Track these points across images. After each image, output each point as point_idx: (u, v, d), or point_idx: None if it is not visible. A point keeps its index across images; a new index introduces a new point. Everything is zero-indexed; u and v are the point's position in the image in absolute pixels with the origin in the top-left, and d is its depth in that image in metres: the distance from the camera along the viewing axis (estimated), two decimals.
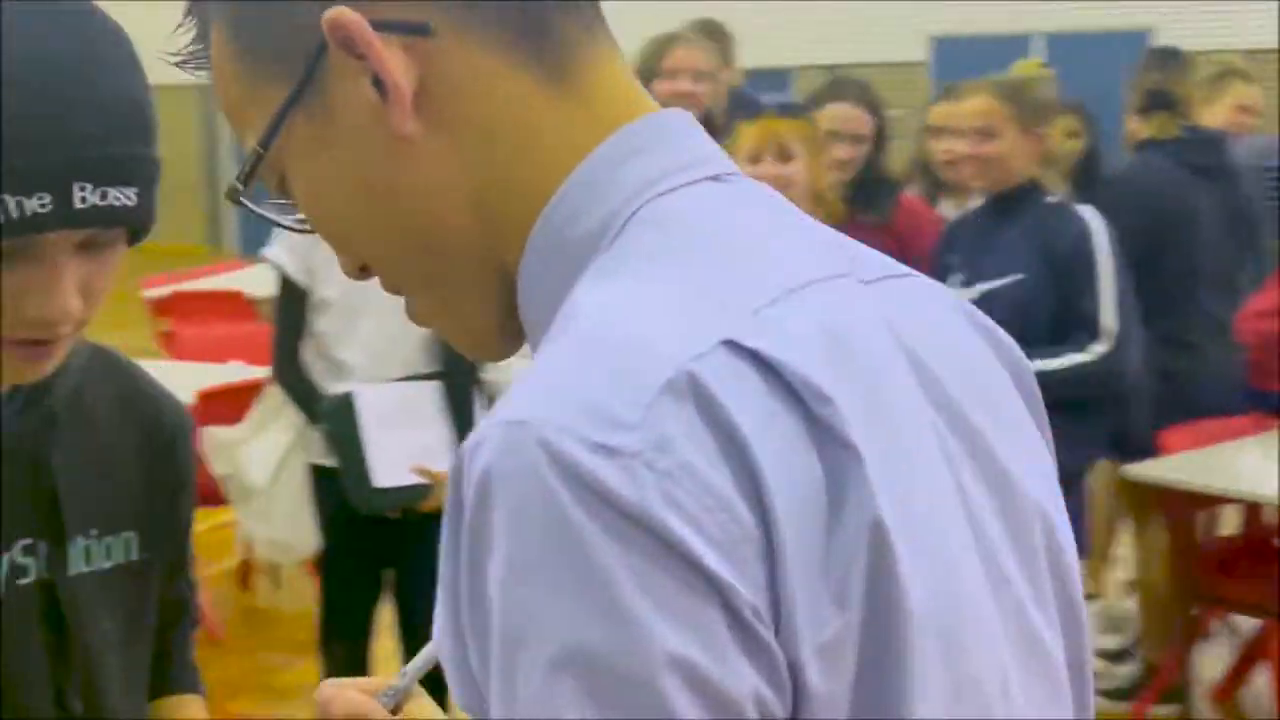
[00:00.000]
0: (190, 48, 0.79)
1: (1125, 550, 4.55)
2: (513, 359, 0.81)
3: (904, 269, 0.81)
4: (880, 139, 3.61)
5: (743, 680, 0.62)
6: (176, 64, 0.81)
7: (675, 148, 0.74)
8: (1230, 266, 4.06)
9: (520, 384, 0.66)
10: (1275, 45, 9.17)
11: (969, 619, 0.71)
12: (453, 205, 0.72)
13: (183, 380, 3.52)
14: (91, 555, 1.24)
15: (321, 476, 3.07)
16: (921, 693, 0.67)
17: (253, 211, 0.79)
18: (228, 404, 3.96)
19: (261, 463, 3.27)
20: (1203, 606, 3.84)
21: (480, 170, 0.72)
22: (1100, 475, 3.99)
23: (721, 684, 0.62)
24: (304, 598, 4.23)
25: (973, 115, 3.21)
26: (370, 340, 2.96)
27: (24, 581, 1.19)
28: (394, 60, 0.69)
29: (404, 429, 2.91)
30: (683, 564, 0.61)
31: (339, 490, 2.99)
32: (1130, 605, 4.34)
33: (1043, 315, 3.06)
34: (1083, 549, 4.13)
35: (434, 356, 2.97)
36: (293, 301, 3.03)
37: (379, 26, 0.69)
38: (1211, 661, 4.07)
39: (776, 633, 0.63)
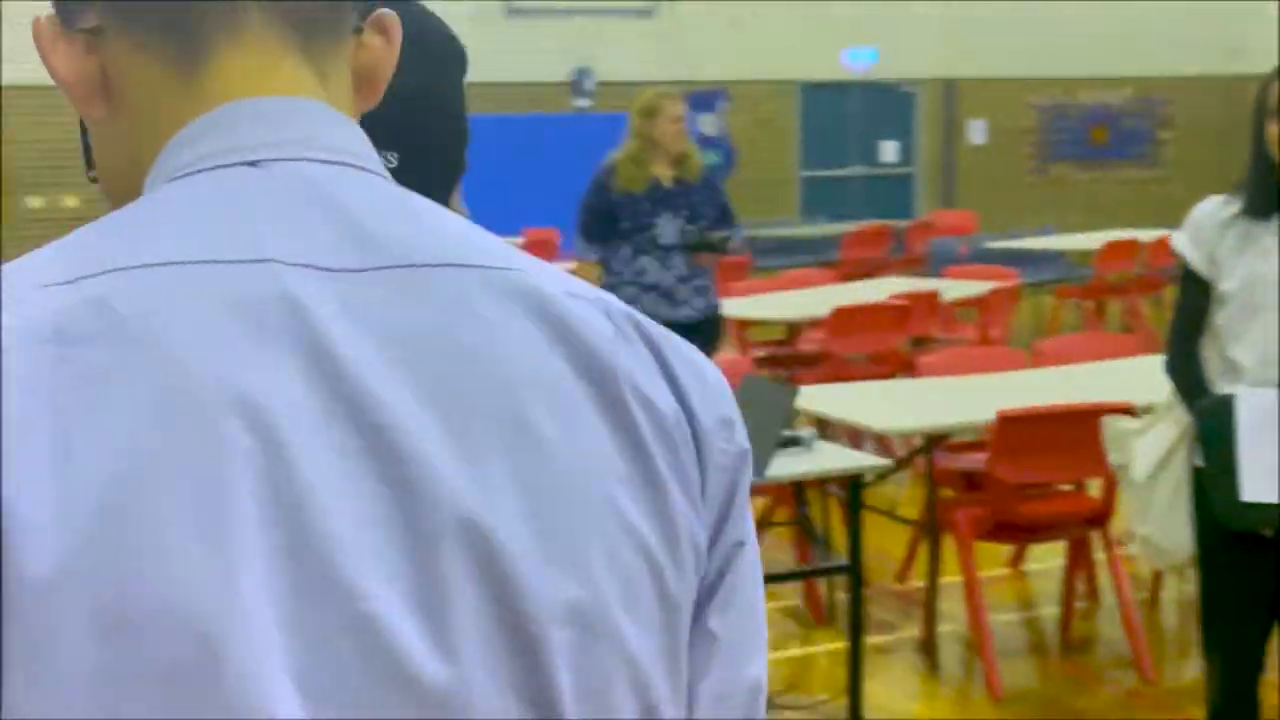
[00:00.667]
0: None
1: None
2: None
3: (461, 260, 0.76)
4: None
5: None
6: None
7: (224, 135, 0.78)
8: None
9: None
10: None
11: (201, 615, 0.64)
12: (132, 179, 0.81)
13: None
14: None
15: (1200, 480, 2.89)
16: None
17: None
18: None
19: (1146, 456, 3.15)
20: None
21: (131, 149, 0.81)
22: None
23: None
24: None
25: None
26: (1260, 340, 2.74)
27: None
28: (62, 58, 0.81)
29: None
30: None
31: (1211, 498, 2.81)
32: None
33: None
34: None
35: None
36: (1193, 293, 2.90)
37: (66, 28, 0.81)
38: None
39: None
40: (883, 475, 4.19)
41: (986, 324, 7.93)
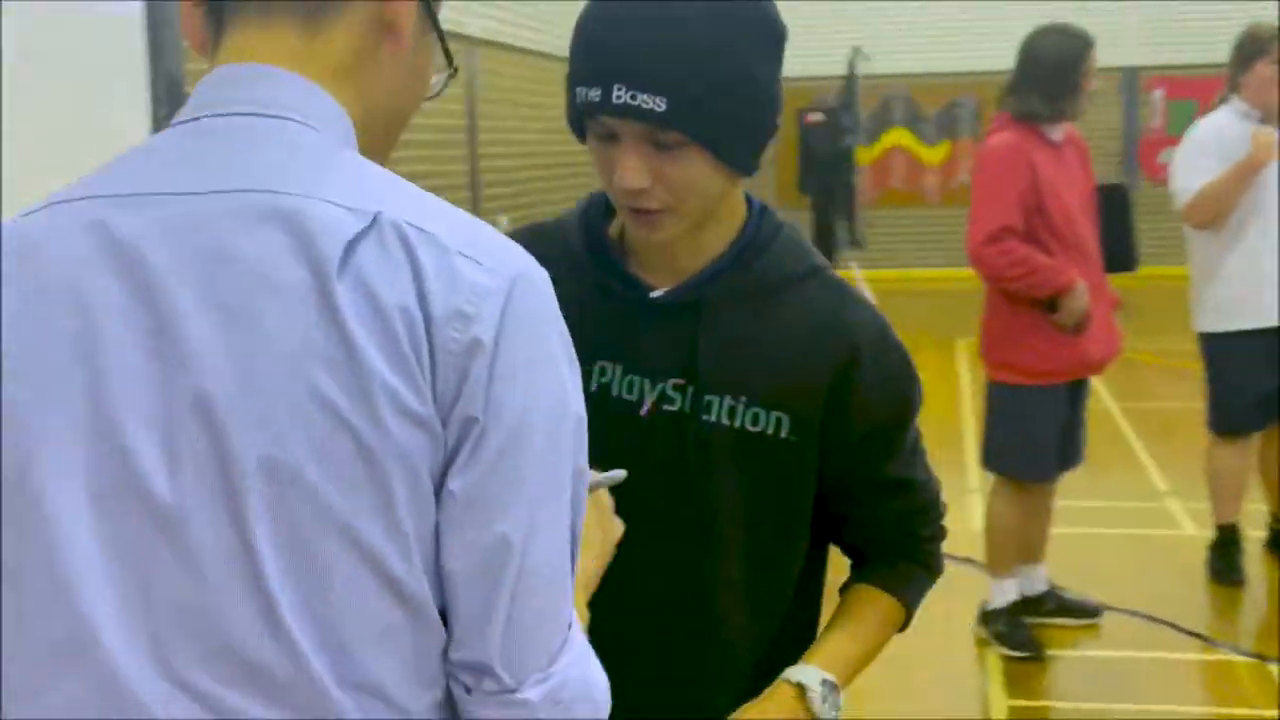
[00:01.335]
0: None
1: None
2: None
3: (254, 186, 0.98)
4: None
5: None
6: None
7: (193, 98, 1.05)
8: None
9: None
10: None
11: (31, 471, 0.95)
12: None
13: None
14: (732, 414, 1.51)
15: None
16: None
17: None
18: None
19: None
20: None
21: None
22: None
23: None
24: None
25: None
26: None
27: (668, 409, 1.51)
28: (185, 15, 1.08)
29: None
30: None
31: None
32: None
33: None
34: None
35: None
36: None
37: None
38: None
39: None
40: None
41: None
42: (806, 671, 1.53)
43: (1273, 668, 4.17)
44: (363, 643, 0.94)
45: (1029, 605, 4.44)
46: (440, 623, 0.97)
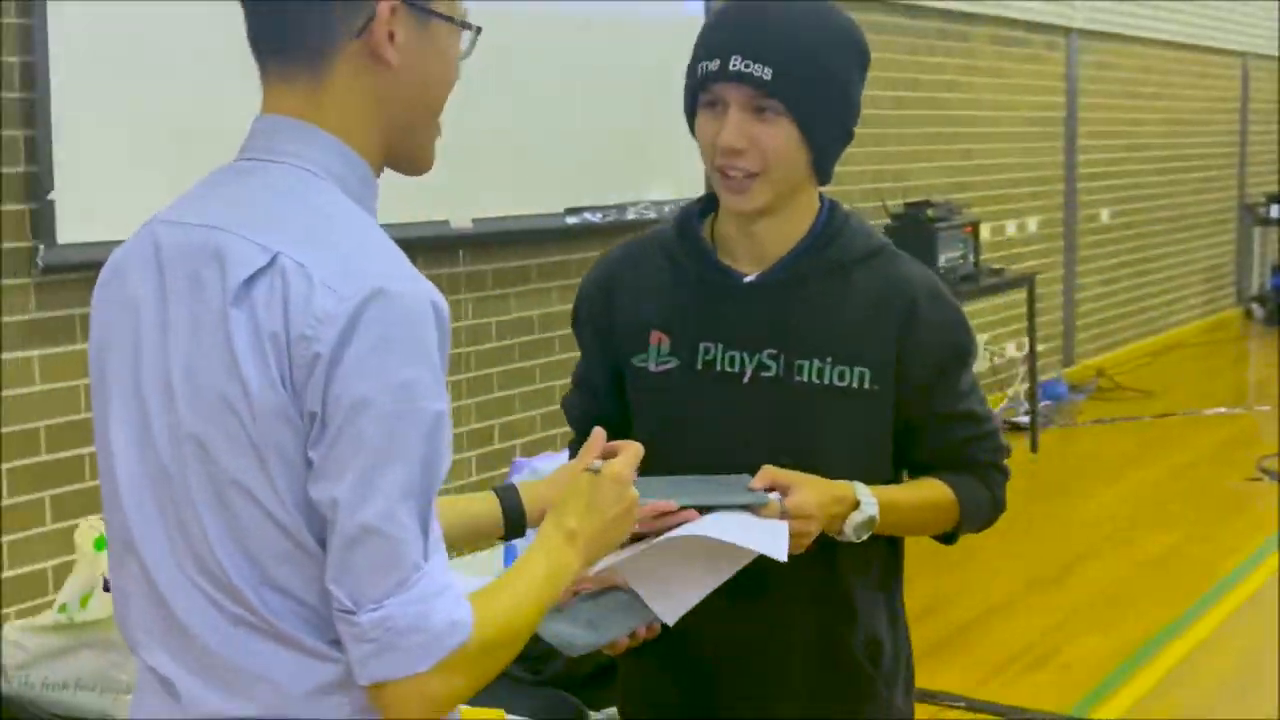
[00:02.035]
0: None
1: None
2: None
3: (211, 223, 1.32)
4: None
5: None
6: None
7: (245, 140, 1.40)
8: None
9: None
10: None
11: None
12: None
13: None
14: (820, 374, 1.79)
15: None
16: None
17: None
18: None
19: None
20: None
21: None
22: None
23: None
24: None
25: None
26: None
27: (765, 375, 1.79)
28: None
29: None
30: None
31: None
32: None
33: None
34: None
35: None
36: None
37: None
38: None
39: None
40: None
41: None
42: (870, 499, 1.76)
43: None
44: (266, 559, 1.28)
45: None
46: (321, 552, 1.27)
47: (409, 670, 1.26)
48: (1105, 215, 9.68)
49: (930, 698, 4.07)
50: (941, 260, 6.50)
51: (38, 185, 3.51)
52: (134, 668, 1.42)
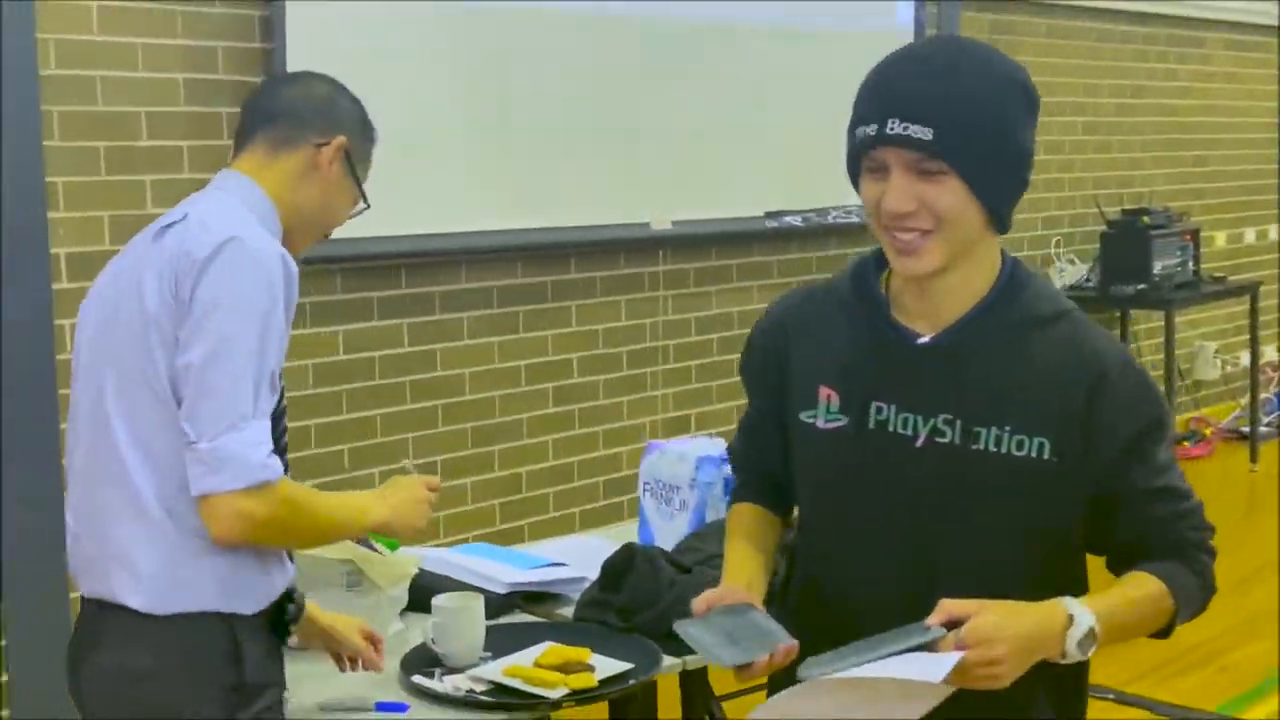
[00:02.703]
0: None
1: None
2: None
3: (174, 220, 2.00)
4: None
5: None
6: None
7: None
8: None
9: None
10: None
11: None
12: None
13: None
14: (999, 442, 1.70)
15: None
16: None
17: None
18: None
19: None
20: None
21: None
22: None
23: None
24: None
25: None
26: None
27: (940, 441, 1.72)
28: None
29: None
30: None
31: None
32: None
33: None
34: None
35: None
36: None
37: None
38: None
39: None
40: None
41: None
42: (1083, 611, 1.63)
43: None
44: (146, 426, 1.93)
45: None
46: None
47: (227, 487, 1.82)
48: None
49: None
50: (1156, 268, 6.54)
51: None
52: None
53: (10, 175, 3.59)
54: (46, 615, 3.74)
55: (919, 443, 1.72)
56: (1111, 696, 4.21)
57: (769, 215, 5.44)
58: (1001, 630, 1.56)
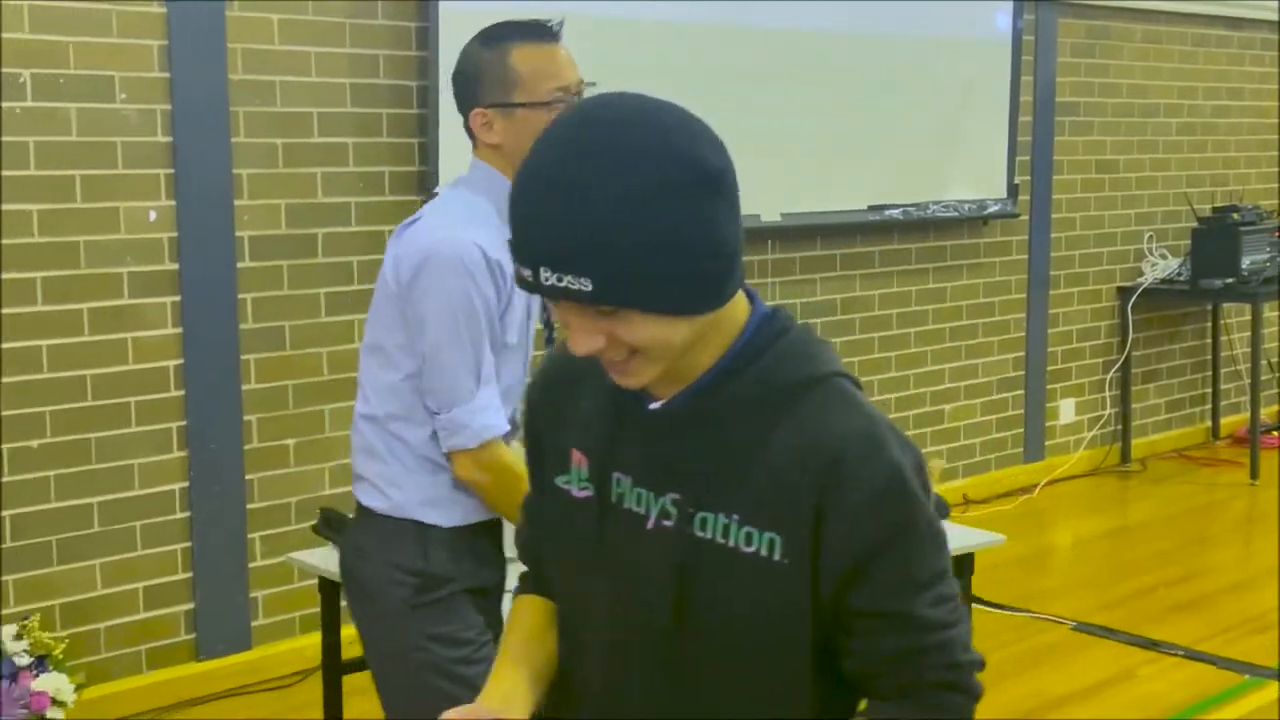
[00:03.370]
0: None
1: None
2: None
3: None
4: None
5: None
6: None
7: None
8: None
9: None
10: None
11: None
12: None
13: None
14: (726, 533, 1.41)
15: None
16: None
17: None
18: None
19: None
20: None
21: None
22: None
23: None
24: None
25: None
26: None
27: (666, 524, 1.45)
28: None
29: None
30: None
31: None
32: None
33: None
34: None
35: None
36: None
37: None
38: None
39: None
40: None
41: None
42: None
43: None
44: (382, 377, 2.37)
45: None
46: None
47: (462, 446, 2.30)
48: None
49: (1153, 645, 4.61)
50: (1245, 263, 6.83)
51: (427, 181, 4.52)
52: None
53: (204, 168, 4.13)
54: (227, 553, 4.29)
55: (649, 524, 1.46)
56: (1181, 653, 4.57)
57: (871, 208, 5.85)
58: None
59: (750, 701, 1.46)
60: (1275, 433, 7.57)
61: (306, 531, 3.97)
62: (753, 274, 5.54)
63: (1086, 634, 4.75)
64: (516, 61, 2.29)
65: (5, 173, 3.82)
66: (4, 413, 3.87)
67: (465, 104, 2.35)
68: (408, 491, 2.38)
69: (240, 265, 4.24)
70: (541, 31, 2.31)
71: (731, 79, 5.18)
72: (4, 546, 3.90)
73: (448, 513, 2.39)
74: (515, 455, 2.26)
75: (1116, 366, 7.09)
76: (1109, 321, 7.09)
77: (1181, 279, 7.01)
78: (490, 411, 2.31)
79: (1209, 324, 7.59)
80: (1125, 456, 7.11)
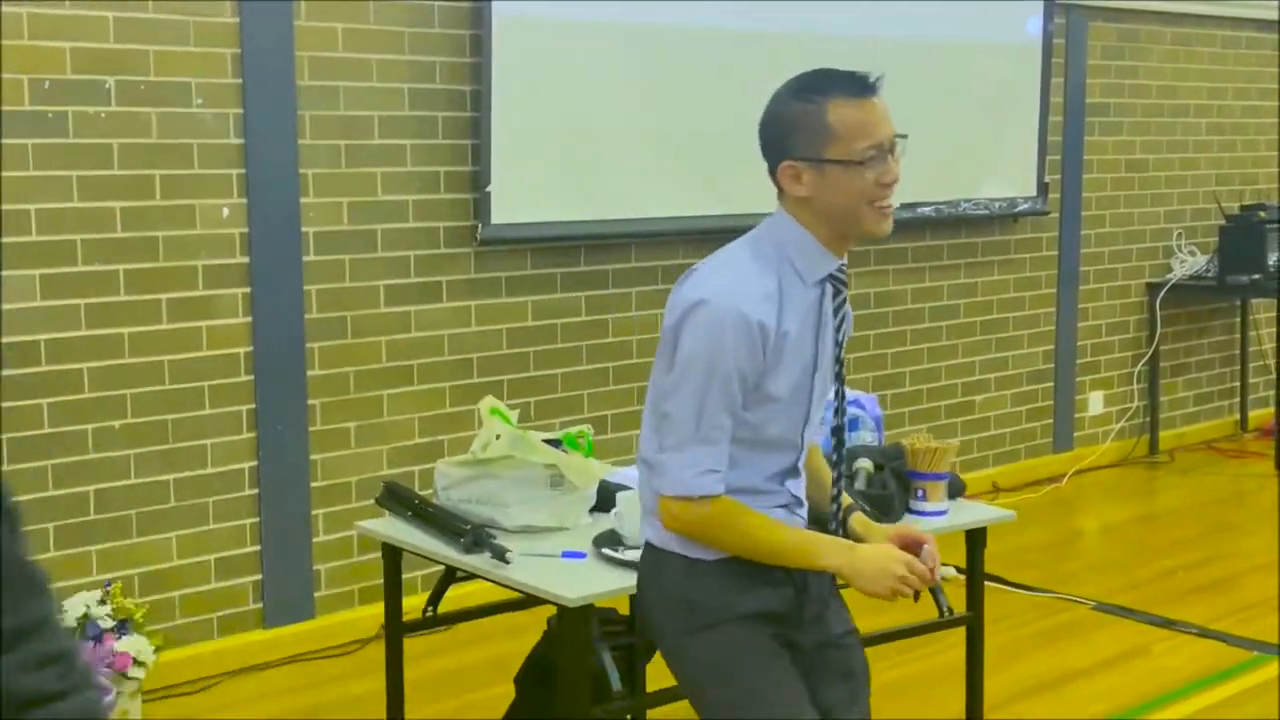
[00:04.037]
0: None
1: None
2: None
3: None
4: None
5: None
6: None
7: None
8: None
9: None
10: None
11: None
12: None
13: None
14: None
15: None
16: None
17: None
18: None
19: None
20: None
21: None
22: None
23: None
24: None
25: None
26: None
27: None
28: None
29: None
30: None
31: None
32: None
33: None
34: None
35: None
36: None
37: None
38: None
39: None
40: None
41: None
42: None
43: None
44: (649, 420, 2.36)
45: None
46: None
47: (663, 491, 2.26)
48: None
49: (1169, 624, 4.83)
50: (1272, 259, 7.02)
51: (479, 180, 4.80)
52: (514, 492, 2.90)
53: (274, 168, 4.42)
54: (292, 528, 4.58)
55: None
56: (1195, 630, 4.79)
57: (904, 206, 6.08)
58: None
59: None
60: None
61: (367, 508, 4.25)
62: None
63: (1106, 613, 4.98)
64: (832, 116, 2.22)
65: (91, 172, 4.12)
66: (89, 395, 4.17)
67: (774, 154, 2.28)
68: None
69: (306, 259, 4.53)
70: (860, 85, 2.26)
71: (773, 84, 5.40)
72: (89, 519, 4.21)
73: (703, 549, 2.35)
74: (725, 511, 2.27)
75: (1145, 360, 7.30)
76: (1138, 316, 7.29)
77: (1209, 275, 7.20)
78: (700, 469, 2.24)
79: (1238, 319, 7.78)
80: (1154, 448, 7.32)
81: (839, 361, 2.36)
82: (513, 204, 4.84)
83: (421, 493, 3.62)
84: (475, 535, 3.07)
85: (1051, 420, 6.94)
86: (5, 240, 3.99)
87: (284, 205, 4.47)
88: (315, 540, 4.63)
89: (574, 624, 2.84)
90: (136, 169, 4.20)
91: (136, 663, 3.93)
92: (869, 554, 2.28)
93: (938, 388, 6.44)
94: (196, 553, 4.42)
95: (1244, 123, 7.65)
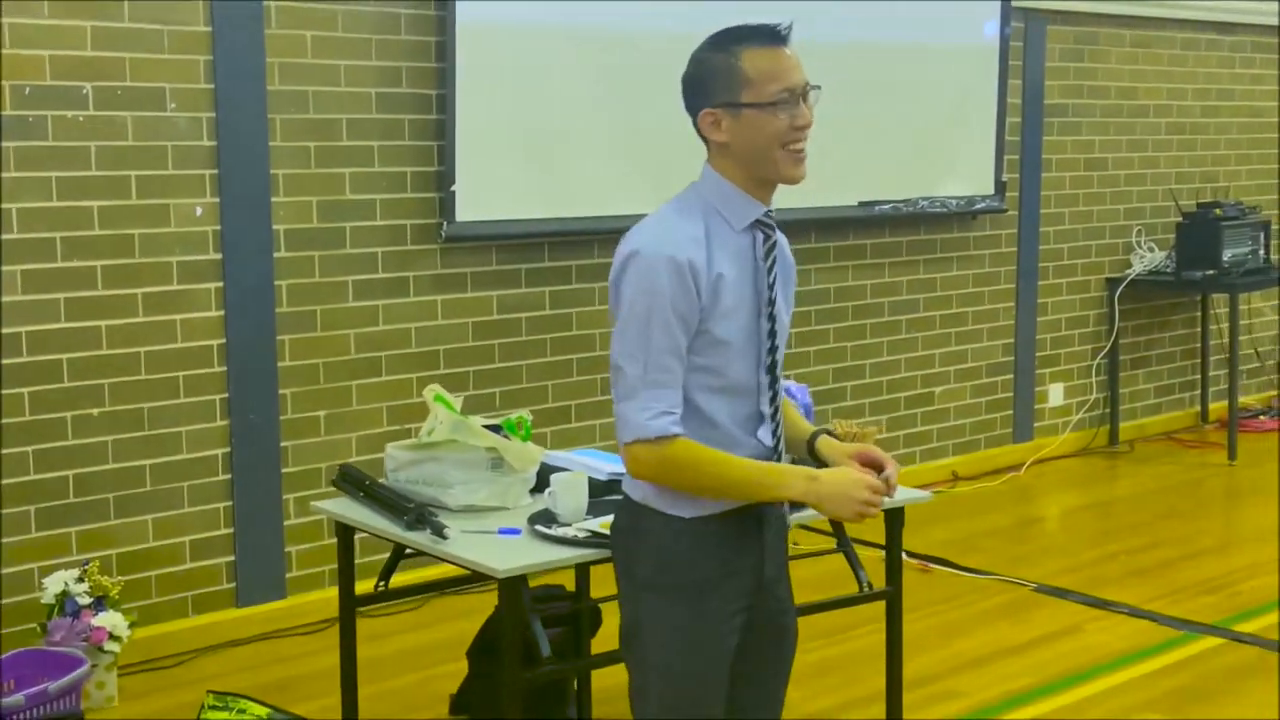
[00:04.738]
0: None
1: None
2: None
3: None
4: None
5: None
6: None
7: None
8: None
9: None
10: None
11: None
12: None
13: None
14: None
15: None
16: None
17: None
18: None
19: None
20: None
21: None
22: None
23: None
24: None
25: None
26: None
27: None
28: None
29: None
30: None
31: None
32: None
33: None
34: None
35: None
36: None
37: None
38: None
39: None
40: None
41: None
42: None
43: None
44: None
45: None
46: None
47: (624, 440, 2.32)
48: None
49: (1104, 605, 5.05)
50: (1226, 255, 7.24)
51: (444, 180, 5.02)
52: (457, 474, 3.11)
53: (245, 168, 4.65)
54: (264, 512, 4.81)
55: None
56: (1126, 610, 5.00)
57: (861, 204, 6.29)
58: None
59: None
60: (1261, 417, 7.96)
61: (335, 492, 4.47)
62: None
63: (1045, 594, 5.20)
64: (746, 63, 2.35)
65: (70, 173, 4.35)
66: (68, 384, 4.40)
67: (694, 105, 2.40)
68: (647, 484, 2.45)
69: (276, 255, 4.76)
70: (771, 35, 2.38)
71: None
72: (68, 502, 4.44)
73: (681, 507, 2.42)
74: (685, 449, 2.33)
75: (1104, 353, 7.51)
76: (1097, 311, 7.50)
77: (1167, 270, 7.41)
78: (653, 412, 2.31)
79: (1199, 313, 7.99)
80: (1114, 438, 7.53)
81: (770, 304, 2.42)
82: (477, 202, 5.06)
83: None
84: (417, 513, 3.29)
85: (1011, 411, 7.15)
86: None
87: (255, 204, 4.70)
88: (286, 523, 4.86)
89: (509, 595, 3.06)
90: (113, 170, 4.43)
91: (112, 637, 4.16)
92: (832, 479, 2.35)
93: (897, 379, 6.66)
94: (172, 535, 4.65)
95: (1203, 122, 7.86)
